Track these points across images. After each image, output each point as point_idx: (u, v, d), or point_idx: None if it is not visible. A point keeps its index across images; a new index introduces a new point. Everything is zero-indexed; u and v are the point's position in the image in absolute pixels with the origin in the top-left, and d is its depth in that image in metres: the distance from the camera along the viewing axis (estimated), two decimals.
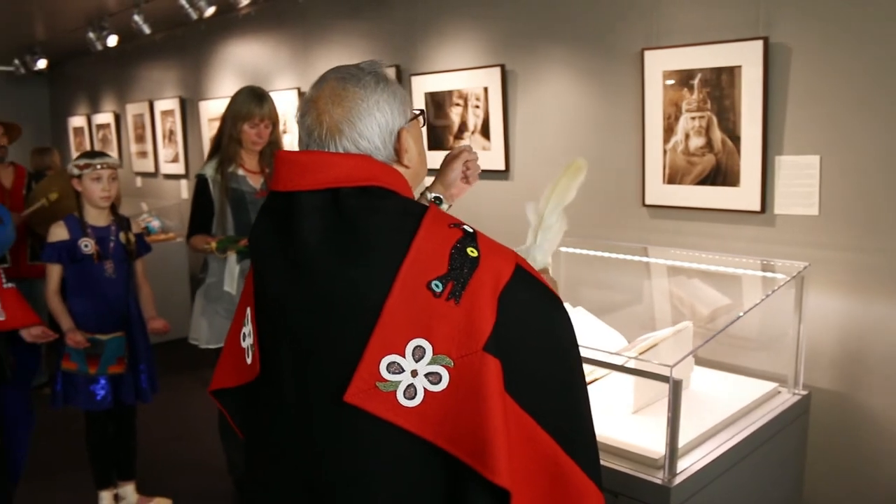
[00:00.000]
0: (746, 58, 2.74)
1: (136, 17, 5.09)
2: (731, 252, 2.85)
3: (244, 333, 1.38)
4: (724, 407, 2.29)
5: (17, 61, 7.22)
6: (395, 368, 1.16)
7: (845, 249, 2.59)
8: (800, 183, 2.69)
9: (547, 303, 1.27)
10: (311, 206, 1.24)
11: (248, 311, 1.36)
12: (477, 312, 1.17)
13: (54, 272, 3.05)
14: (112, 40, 5.61)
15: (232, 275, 3.10)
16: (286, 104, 5.06)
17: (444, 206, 1.75)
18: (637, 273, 2.98)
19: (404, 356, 1.16)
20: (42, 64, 6.94)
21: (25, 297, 2.97)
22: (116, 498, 3.36)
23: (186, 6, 4.53)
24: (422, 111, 1.42)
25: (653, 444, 1.99)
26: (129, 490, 3.36)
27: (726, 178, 2.86)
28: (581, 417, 1.27)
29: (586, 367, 2.27)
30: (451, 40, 3.92)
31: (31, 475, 3.47)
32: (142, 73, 6.92)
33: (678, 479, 1.87)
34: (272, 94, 4.76)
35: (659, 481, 1.86)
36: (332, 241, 1.21)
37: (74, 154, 7.66)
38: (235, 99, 3.11)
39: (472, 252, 1.21)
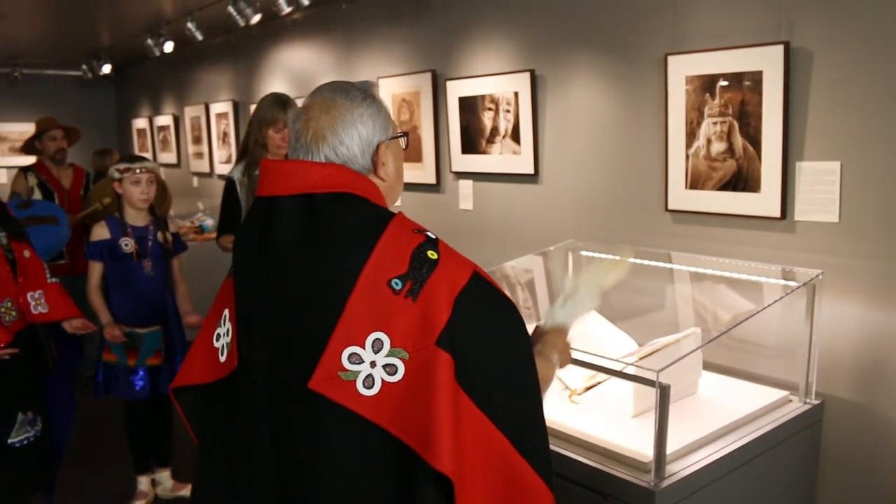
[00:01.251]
0: (767, 63, 2.71)
1: (189, 25, 5.30)
2: (752, 259, 2.82)
3: (219, 333, 1.47)
4: (728, 413, 2.28)
5: (84, 66, 7.58)
6: (356, 359, 1.26)
7: (865, 257, 2.55)
8: (820, 189, 2.66)
9: (502, 308, 1.34)
10: (288, 209, 1.35)
11: (227, 311, 1.46)
12: (432, 310, 1.26)
13: (96, 269, 3.23)
14: (168, 46, 5.84)
15: None
16: None
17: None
18: (655, 278, 2.98)
19: (364, 348, 1.26)
20: (107, 69, 7.27)
21: (78, 293, 3.17)
22: (153, 483, 3.53)
23: (234, 13, 4.70)
24: (405, 133, 1.53)
25: (647, 448, 2.00)
26: (164, 476, 3.53)
27: (747, 184, 2.84)
28: (533, 418, 1.33)
29: (587, 372, 2.31)
30: (484, 46, 3.97)
31: (76, 460, 3.68)
32: (199, 77, 7.18)
33: (666, 483, 1.89)
34: None
35: (646, 485, 1.88)
36: (305, 241, 1.33)
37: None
38: (261, 105, 3.24)
39: (431, 255, 1.30)
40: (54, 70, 8.48)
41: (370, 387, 1.26)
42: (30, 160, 4.99)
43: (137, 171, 3.20)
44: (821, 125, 2.63)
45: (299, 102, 5.51)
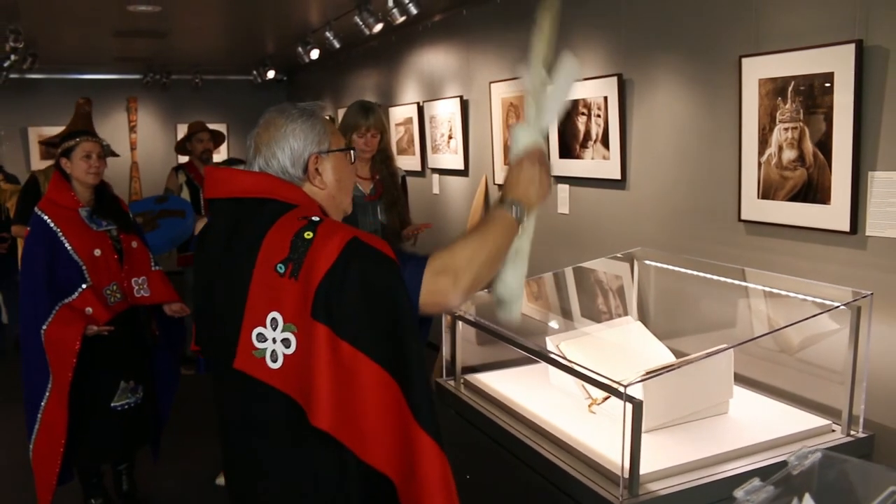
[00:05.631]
0: (839, 63, 2.51)
1: (328, 34, 5.68)
2: (820, 276, 2.62)
3: None
4: (748, 436, 2.16)
5: (254, 72, 8.30)
6: (262, 338, 1.45)
7: None
8: (893, 203, 2.42)
9: (377, 262, 1.43)
10: (221, 210, 1.59)
11: None
12: (310, 285, 1.40)
13: None
14: (314, 54, 6.28)
15: None
16: (450, 111, 5.36)
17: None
18: (709, 290, 2.84)
19: (266, 327, 1.45)
20: (271, 74, 7.93)
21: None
22: None
23: (360, 23, 4.98)
24: (350, 148, 1.68)
25: (644, 463, 1.95)
26: None
27: (817, 195, 2.64)
28: (415, 366, 1.43)
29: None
30: (579, 51, 3.93)
31: (178, 428, 4.07)
32: (351, 81, 7.62)
33: (638, 500, 1.84)
34: (441, 102, 5.10)
35: (613, 499, 1.84)
36: (229, 238, 1.55)
37: None
38: (347, 112, 3.44)
39: (307, 235, 1.44)
40: (230, 76, 9.34)
41: (275, 360, 1.44)
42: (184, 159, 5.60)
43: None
44: (895, 131, 2.40)
45: (431, 106, 5.70)
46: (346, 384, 1.38)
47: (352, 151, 1.67)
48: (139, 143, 9.26)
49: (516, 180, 1.63)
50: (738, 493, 1.29)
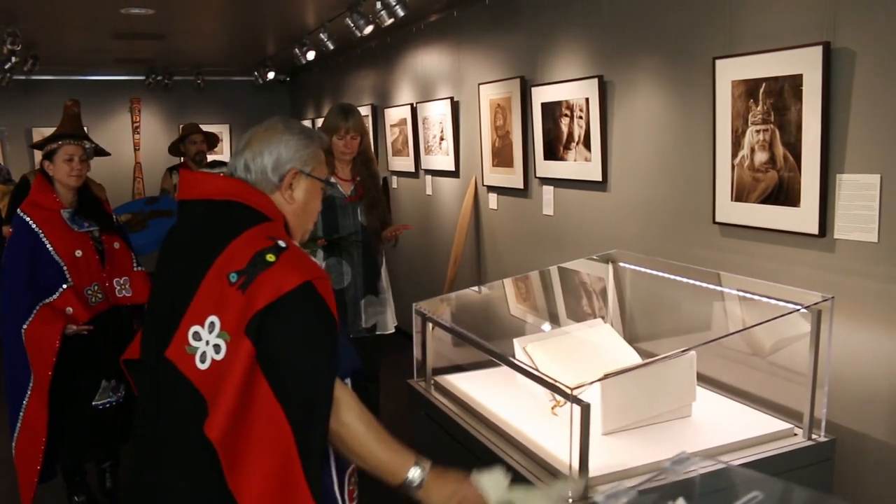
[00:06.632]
0: (807, 65, 2.50)
1: (322, 35, 5.71)
2: (790, 279, 2.62)
3: None
4: (707, 439, 2.16)
5: (256, 73, 8.34)
6: (197, 336, 1.49)
7: None
8: (860, 205, 2.41)
9: (318, 320, 1.47)
10: (190, 210, 1.65)
11: None
12: (253, 302, 1.44)
13: None
14: (310, 55, 6.30)
15: None
16: (441, 112, 5.37)
17: None
18: (684, 294, 2.84)
19: (203, 328, 1.48)
20: (271, 75, 7.96)
21: None
22: None
23: (351, 25, 5.00)
24: (327, 182, 1.71)
25: (599, 465, 1.96)
26: None
27: (787, 197, 2.63)
28: (318, 424, 1.46)
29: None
30: (562, 52, 3.94)
31: None
32: (350, 82, 7.65)
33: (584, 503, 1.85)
34: (433, 104, 5.12)
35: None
36: (192, 237, 1.61)
37: None
38: (327, 115, 3.47)
39: (270, 258, 1.48)
40: (232, 77, 9.39)
41: (204, 361, 1.48)
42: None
43: None
44: (863, 133, 2.39)
45: (423, 107, 5.71)
46: (248, 406, 1.42)
47: (327, 187, 1.72)
48: (143, 144, 9.32)
49: (452, 490, 1.56)
50: (599, 497, 1.30)
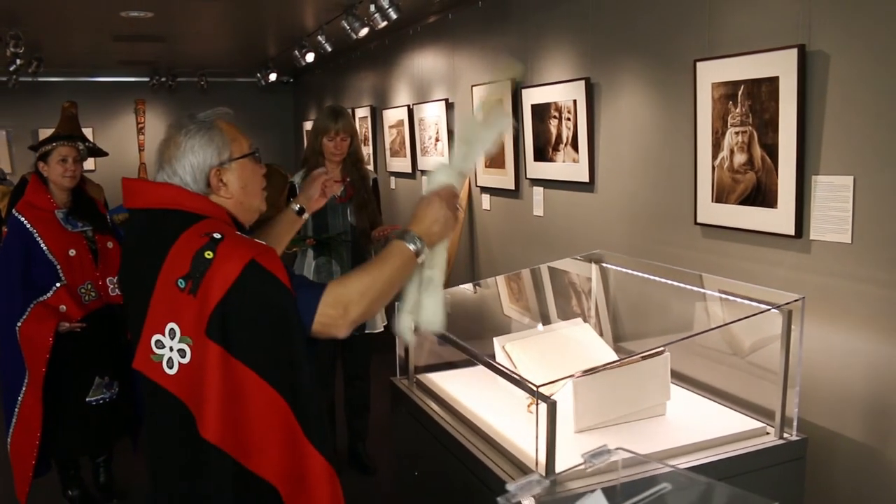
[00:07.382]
0: (783, 67, 2.53)
1: (320, 38, 5.77)
2: (768, 280, 2.65)
3: None
4: (680, 437, 2.19)
5: (258, 75, 8.41)
6: (160, 344, 1.53)
7: (877, 284, 2.31)
8: (834, 206, 2.44)
9: (272, 292, 1.51)
10: (135, 220, 1.69)
11: None
12: (207, 303, 1.49)
13: None
14: (310, 57, 6.36)
15: (308, 267, 3.55)
16: (436, 114, 5.41)
17: (306, 215, 2.07)
18: (663, 294, 2.86)
19: (164, 335, 1.53)
20: (273, 77, 8.04)
21: None
22: None
23: (347, 28, 5.05)
24: (253, 152, 1.71)
25: (569, 462, 1.99)
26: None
27: (765, 199, 2.66)
28: (305, 387, 1.53)
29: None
30: (551, 54, 3.98)
31: None
32: (350, 84, 7.71)
33: (553, 497, 1.88)
34: (429, 105, 5.16)
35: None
36: (137, 248, 1.66)
37: None
38: (318, 116, 3.52)
39: (208, 255, 1.51)
40: (236, 78, 9.47)
41: (171, 367, 1.53)
42: None
43: None
44: (837, 135, 2.42)
45: (420, 108, 5.74)
46: (237, 400, 1.48)
47: (256, 154, 1.73)
48: (147, 145, 9.41)
49: (422, 215, 1.67)
50: (511, 486, 1.36)
